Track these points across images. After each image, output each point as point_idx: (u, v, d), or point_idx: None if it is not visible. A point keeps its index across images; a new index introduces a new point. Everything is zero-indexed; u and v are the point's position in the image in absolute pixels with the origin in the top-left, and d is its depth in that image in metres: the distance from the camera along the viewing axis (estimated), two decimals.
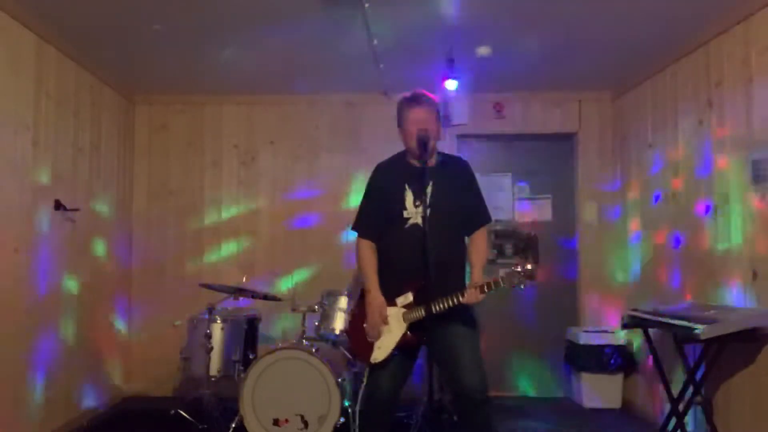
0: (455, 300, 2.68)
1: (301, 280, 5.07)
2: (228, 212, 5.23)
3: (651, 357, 3.74)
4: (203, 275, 5.01)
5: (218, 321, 4.09)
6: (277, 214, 5.22)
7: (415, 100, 2.86)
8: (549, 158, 5.34)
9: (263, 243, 5.20)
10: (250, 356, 4.15)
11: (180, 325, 4.27)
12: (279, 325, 4.99)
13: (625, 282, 4.95)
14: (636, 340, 4.68)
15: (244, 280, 4.41)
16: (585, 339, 4.74)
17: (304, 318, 4.15)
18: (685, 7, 3.41)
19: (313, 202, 5.21)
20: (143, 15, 3.57)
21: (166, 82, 4.95)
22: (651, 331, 3.74)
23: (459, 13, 3.56)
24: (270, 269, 5.13)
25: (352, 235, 3.03)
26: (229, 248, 5.20)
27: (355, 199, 4.80)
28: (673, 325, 3.29)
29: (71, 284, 4.15)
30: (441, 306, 2.68)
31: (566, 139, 5.31)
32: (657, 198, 4.39)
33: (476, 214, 2.96)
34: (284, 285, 5.07)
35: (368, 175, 3.03)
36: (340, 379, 3.71)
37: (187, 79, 4.85)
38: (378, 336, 2.81)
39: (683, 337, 3.23)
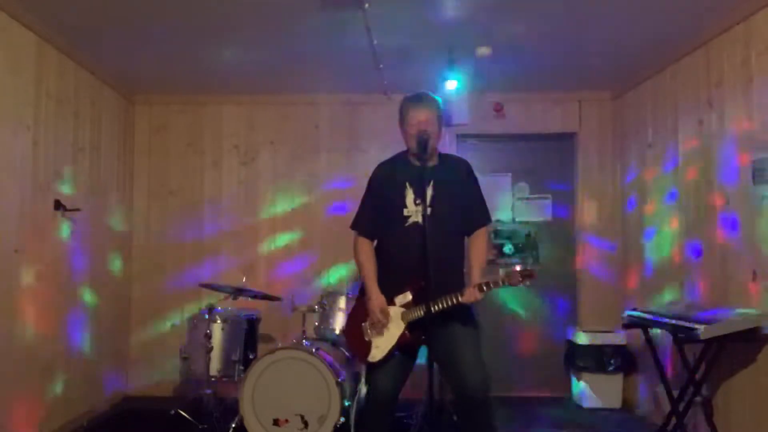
0: (454, 300, 2.68)
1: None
2: (228, 212, 5.23)
3: (651, 357, 3.73)
4: (203, 275, 5.01)
5: (218, 321, 4.08)
6: (277, 214, 5.21)
7: (417, 100, 2.86)
8: (549, 158, 5.34)
9: (263, 243, 5.19)
10: (250, 356, 4.15)
11: (179, 325, 4.27)
12: (279, 325, 4.99)
13: (625, 282, 4.95)
14: (636, 340, 4.67)
15: (243, 280, 4.41)
16: (585, 339, 4.74)
17: (304, 318, 4.15)
18: (686, 7, 3.41)
19: (313, 202, 5.21)
20: (143, 15, 3.57)
21: (166, 82, 4.95)
22: (651, 331, 3.74)
23: (459, 13, 3.57)
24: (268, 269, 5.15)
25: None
26: (229, 248, 5.19)
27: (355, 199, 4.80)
28: (673, 325, 3.29)
29: (70, 284, 4.15)
30: (440, 306, 2.68)
31: (566, 139, 5.31)
32: (657, 198, 4.39)
33: (476, 214, 2.96)
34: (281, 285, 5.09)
35: (368, 175, 3.02)
36: (340, 379, 3.71)
37: (187, 79, 4.85)
38: (376, 335, 2.81)
39: (683, 337, 3.23)
